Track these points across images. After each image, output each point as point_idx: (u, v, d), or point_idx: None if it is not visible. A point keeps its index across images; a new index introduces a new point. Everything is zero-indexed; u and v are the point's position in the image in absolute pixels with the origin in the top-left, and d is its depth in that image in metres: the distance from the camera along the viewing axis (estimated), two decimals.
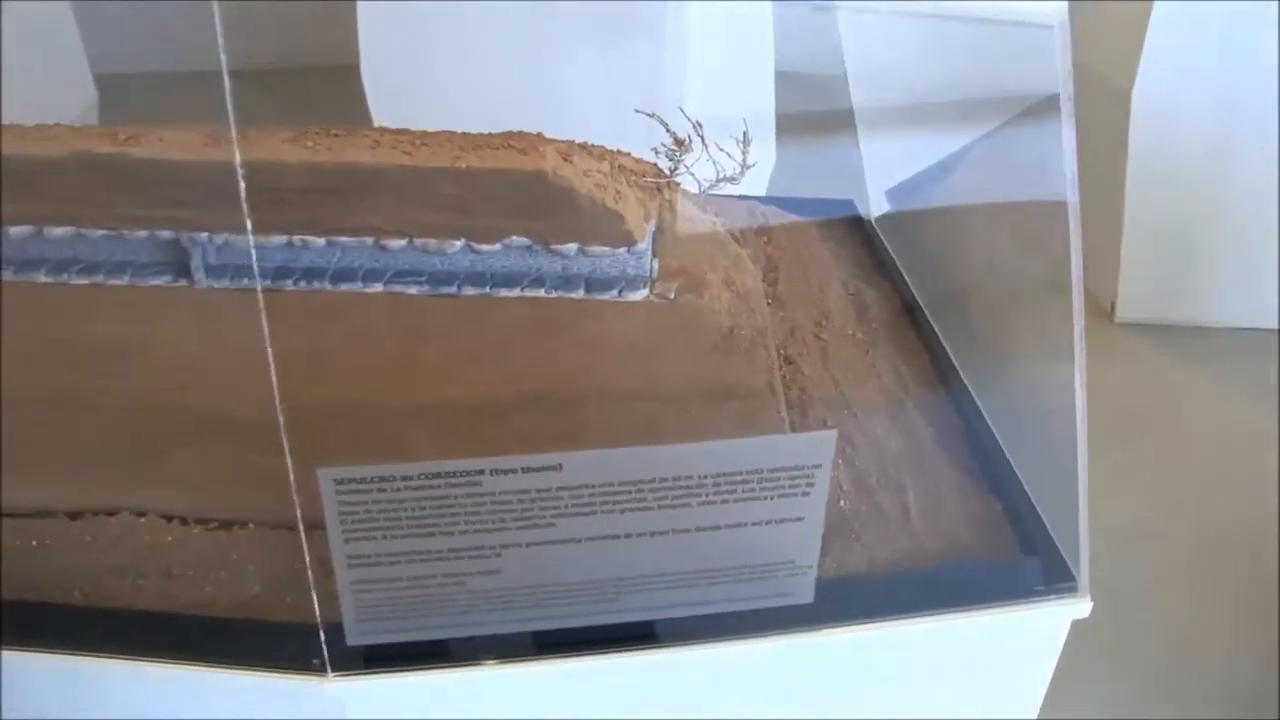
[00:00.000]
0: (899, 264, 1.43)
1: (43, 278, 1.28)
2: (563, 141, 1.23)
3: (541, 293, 1.23)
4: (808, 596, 1.00)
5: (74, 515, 1.07)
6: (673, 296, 1.23)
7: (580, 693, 1.02)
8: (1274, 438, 2.04)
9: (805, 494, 0.95)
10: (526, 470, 0.91)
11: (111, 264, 1.28)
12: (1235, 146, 2.24)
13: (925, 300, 1.37)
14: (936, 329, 1.32)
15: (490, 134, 1.22)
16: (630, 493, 0.93)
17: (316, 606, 0.96)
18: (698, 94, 1.94)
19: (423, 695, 1.00)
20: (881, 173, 1.58)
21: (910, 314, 1.34)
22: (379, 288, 1.25)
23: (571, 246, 1.21)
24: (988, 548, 1.07)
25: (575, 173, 1.18)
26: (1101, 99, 2.31)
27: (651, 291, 1.24)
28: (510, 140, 1.21)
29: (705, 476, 0.93)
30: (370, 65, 2.16)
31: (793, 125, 1.84)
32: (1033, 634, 1.06)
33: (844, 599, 1.02)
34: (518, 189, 1.18)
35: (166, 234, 1.23)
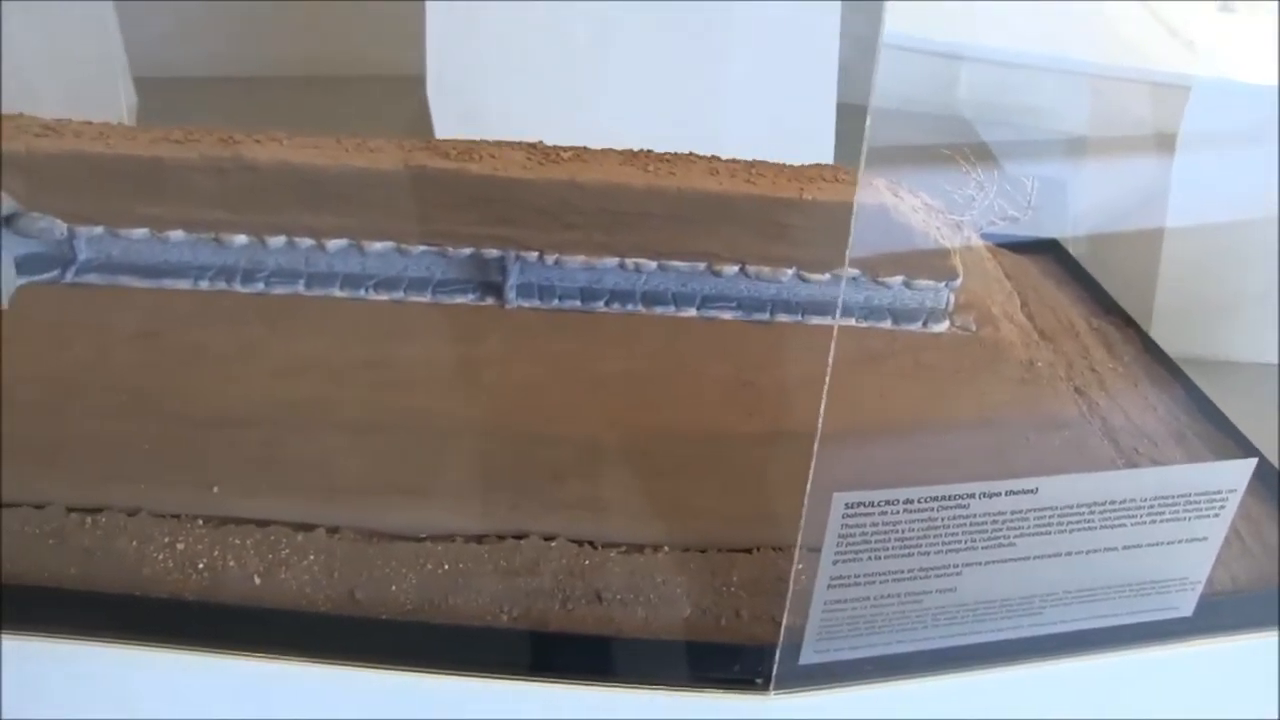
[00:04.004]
0: (1112, 294, 1.53)
1: (338, 293, 1.25)
2: (878, 178, 1.28)
3: (852, 322, 1.28)
4: (1189, 610, 1.08)
5: (478, 539, 1.04)
6: (974, 328, 1.29)
7: (984, 701, 1.07)
8: None
9: (1215, 515, 1.03)
10: (1009, 493, 0.95)
11: (408, 280, 1.26)
12: None
13: (1150, 328, 1.48)
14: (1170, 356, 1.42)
15: (818, 165, 1.26)
16: (1083, 514, 0.99)
17: (783, 626, 0.98)
18: (749, 115, 2.00)
19: (853, 708, 1.02)
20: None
21: (1145, 344, 1.43)
22: (692, 312, 1.26)
23: (898, 279, 1.26)
24: None
25: (909, 208, 1.23)
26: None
27: (952, 324, 1.29)
28: (839, 174, 1.25)
29: (1143, 499, 1.00)
30: (436, 78, 2.14)
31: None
32: None
33: (1220, 613, 1.10)
34: (859, 222, 1.22)
35: (493, 251, 1.22)
